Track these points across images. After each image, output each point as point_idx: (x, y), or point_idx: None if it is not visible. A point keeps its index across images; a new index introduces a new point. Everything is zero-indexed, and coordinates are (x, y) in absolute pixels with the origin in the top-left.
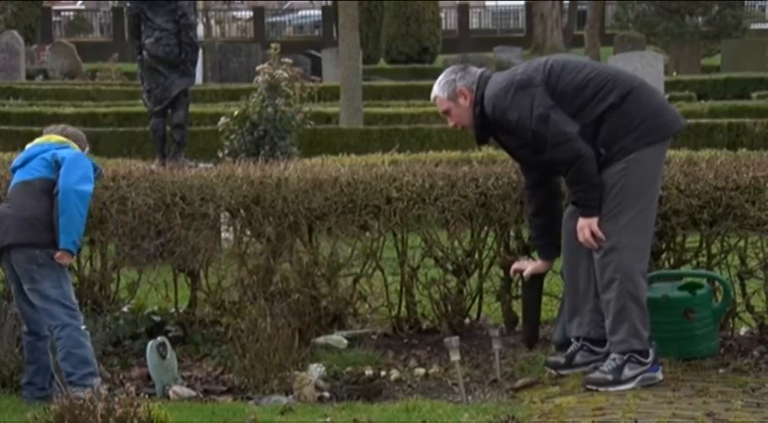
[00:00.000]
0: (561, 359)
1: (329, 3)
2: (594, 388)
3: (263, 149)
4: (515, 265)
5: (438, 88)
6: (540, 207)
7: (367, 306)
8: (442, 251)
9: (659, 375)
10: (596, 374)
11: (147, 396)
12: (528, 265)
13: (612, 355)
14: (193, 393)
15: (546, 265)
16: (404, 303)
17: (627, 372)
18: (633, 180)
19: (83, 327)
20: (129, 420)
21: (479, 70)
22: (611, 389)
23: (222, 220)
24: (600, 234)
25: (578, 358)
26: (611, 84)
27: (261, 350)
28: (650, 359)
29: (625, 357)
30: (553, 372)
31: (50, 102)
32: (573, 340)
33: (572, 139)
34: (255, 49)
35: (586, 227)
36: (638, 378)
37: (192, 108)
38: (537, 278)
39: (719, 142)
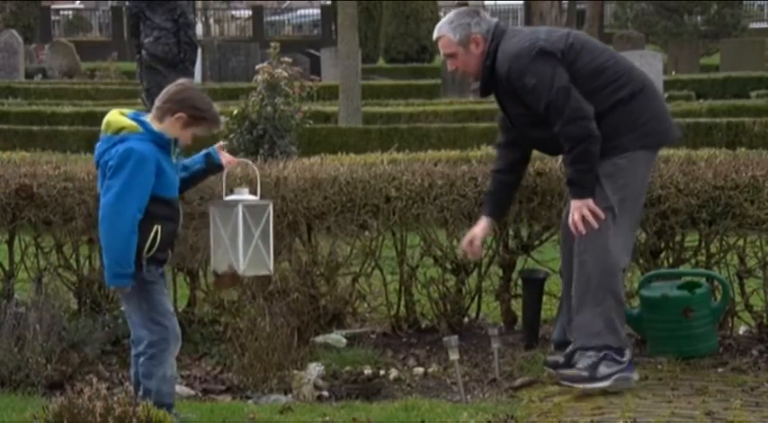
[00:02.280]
0: (560, 358)
1: (328, 2)
2: (569, 385)
3: (262, 148)
4: (463, 247)
5: (449, 29)
6: (507, 166)
7: (366, 305)
8: (441, 250)
9: (635, 376)
10: (571, 371)
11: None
12: (468, 235)
13: (588, 353)
14: (192, 392)
15: (485, 228)
16: (403, 302)
17: (602, 369)
18: (624, 179)
19: (167, 357)
20: (128, 419)
21: (494, 20)
22: (587, 386)
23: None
24: (599, 211)
25: (577, 357)
26: (626, 77)
27: (260, 349)
28: (626, 358)
29: (601, 354)
30: (552, 371)
31: (49, 101)
32: (572, 340)
33: (588, 117)
34: (254, 48)
35: (583, 206)
36: (614, 377)
37: None
38: (537, 278)
39: (718, 141)
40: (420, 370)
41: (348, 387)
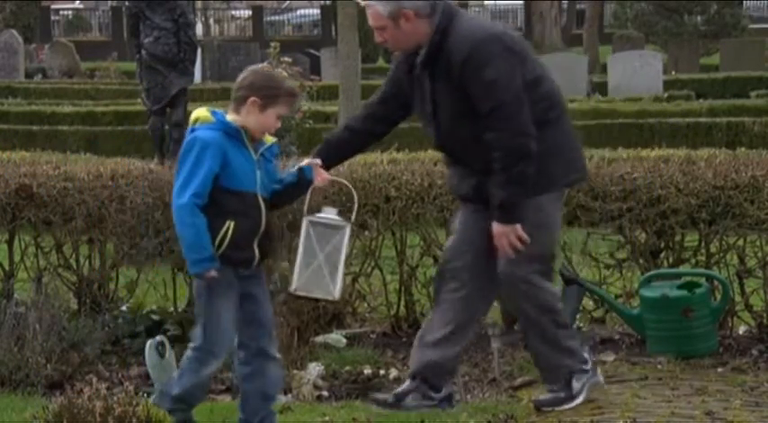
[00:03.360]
0: (389, 397)
1: (328, 2)
2: (551, 409)
3: None
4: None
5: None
6: (366, 126)
7: (366, 305)
8: (441, 250)
9: (600, 378)
10: (547, 396)
11: (145, 395)
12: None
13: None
14: None
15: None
16: (403, 302)
17: (575, 384)
18: (547, 215)
19: (206, 370)
20: (128, 419)
21: None
22: (566, 406)
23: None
24: (525, 237)
25: (409, 399)
26: (557, 96)
27: None
28: (589, 365)
29: (568, 373)
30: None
31: (49, 101)
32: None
33: (533, 136)
34: (254, 47)
35: (511, 233)
36: (586, 387)
37: (191, 107)
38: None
39: (718, 141)
40: None
41: (348, 387)
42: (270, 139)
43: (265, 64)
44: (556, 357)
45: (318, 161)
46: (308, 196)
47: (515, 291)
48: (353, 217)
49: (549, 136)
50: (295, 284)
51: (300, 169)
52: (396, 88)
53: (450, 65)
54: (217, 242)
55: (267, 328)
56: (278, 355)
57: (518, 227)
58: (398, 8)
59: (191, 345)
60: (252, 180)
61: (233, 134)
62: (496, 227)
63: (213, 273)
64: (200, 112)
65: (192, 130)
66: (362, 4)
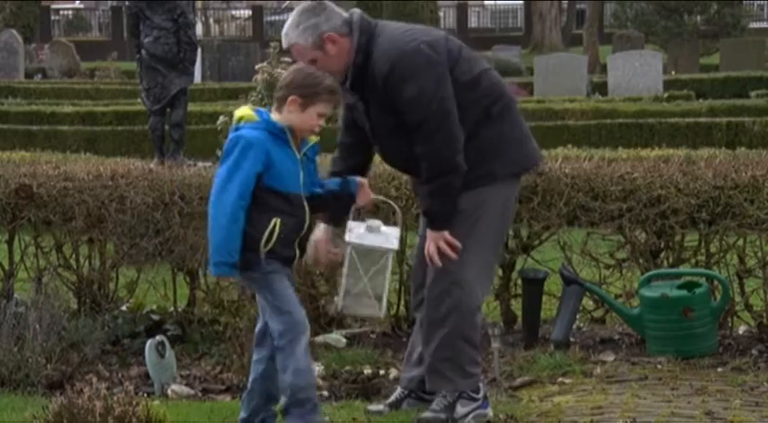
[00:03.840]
0: (385, 408)
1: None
2: None
3: None
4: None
5: (296, 34)
6: (349, 170)
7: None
8: None
9: (489, 412)
10: (428, 414)
11: (145, 395)
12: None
13: (443, 393)
14: (192, 392)
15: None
16: (403, 302)
17: (459, 409)
18: (490, 213)
19: (298, 348)
20: (128, 419)
21: (353, 11)
22: None
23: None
24: (456, 243)
25: (405, 406)
26: (498, 91)
27: None
28: (481, 394)
29: (456, 394)
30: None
31: (49, 100)
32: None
33: (458, 149)
34: (254, 47)
35: (440, 238)
36: (471, 414)
37: (191, 107)
38: (537, 278)
39: (718, 141)
40: None
41: (348, 387)
42: (313, 139)
43: (265, 64)
44: (446, 367)
45: (365, 180)
46: (350, 215)
47: (446, 289)
48: (398, 236)
49: (494, 130)
50: (341, 304)
51: (345, 180)
52: (350, 113)
53: (376, 83)
54: (264, 238)
55: None
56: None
57: (446, 233)
58: (320, 35)
59: (275, 342)
60: (296, 180)
61: (277, 133)
62: (429, 233)
63: (231, 279)
64: (244, 111)
65: (237, 129)
66: (284, 47)
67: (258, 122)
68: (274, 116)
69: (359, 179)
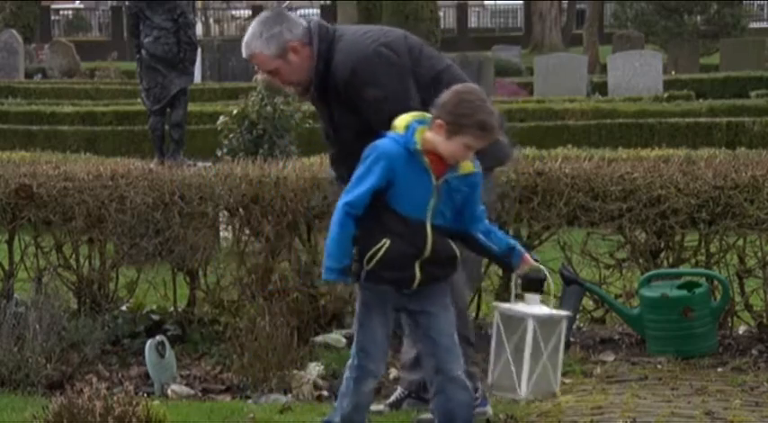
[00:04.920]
0: (385, 408)
1: (328, 2)
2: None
3: (262, 148)
4: None
5: (260, 44)
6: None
7: None
8: None
9: (489, 410)
10: (428, 415)
11: (145, 395)
12: None
13: (398, 387)
14: (192, 392)
15: None
16: None
17: (404, 408)
18: None
19: (366, 385)
20: (128, 419)
21: (312, 20)
22: None
23: (221, 219)
24: None
25: (405, 407)
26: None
27: (259, 349)
28: (479, 393)
29: (406, 392)
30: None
31: (49, 100)
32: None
33: None
34: None
35: None
36: (419, 415)
37: (191, 107)
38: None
39: (718, 141)
40: None
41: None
42: (468, 167)
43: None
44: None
45: (528, 256)
46: (512, 286)
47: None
48: (552, 302)
49: None
50: (524, 390)
51: (512, 250)
52: (329, 134)
53: (338, 89)
54: (367, 257)
55: (443, 345)
56: (461, 376)
57: None
58: (283, 44)
59: (348, 365)
60: (421, 207)
61: (414, 156)
62: None
63: (341, 285)
64: (403, 119)
65: (385, 135)
66: (246, 56)
67: (400, 136)
68: (426, 133)
69: (523, 252)
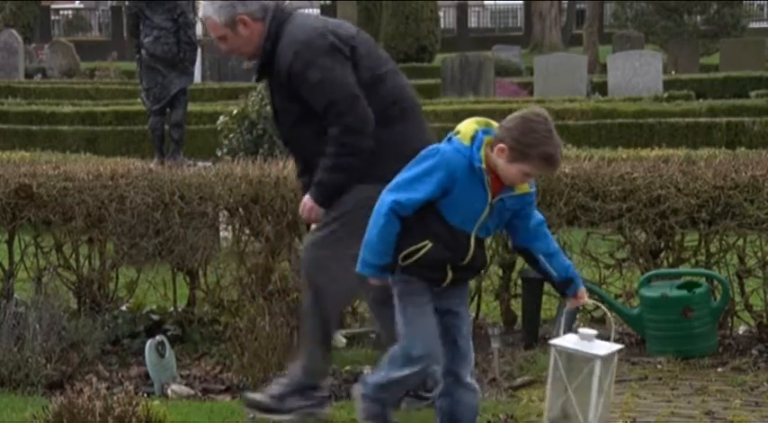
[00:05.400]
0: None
1: (328, 2)
2: (251, 411)
3: (262, 148)
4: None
5: (213, 10)
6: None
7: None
8: None
9: (325, 411)
10: (258, 395)
11: (145, 395)
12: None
13: (282, 380)
14: (192, 392)
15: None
16: None
17: (290, 401)
18: (366, 205)
19: (403, 371)
20: (128, 419)
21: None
22: (270, 416)
23: (221, 219)
24: (315, 221)
25: (403, 405)
26: (400, 93)
27: (259, 349)
28: (320, 395)
29: (293, 386)
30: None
31: (49, 100)
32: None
33: (368, 133)
34: None
35: (313, 209)
36: (300, 411)
37: (191, 107)
38: (536, 278)
39: (718, 141)
40: None
41: (348, 387)
42: (523, 188)
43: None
44: (302, 360)
45: (583, 292)
46: (562, 321)
47: (310, 271)
48: (612, 335)
49: (388, 131)
50: (546, 418)
51: (571, 280)
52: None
53: (280, 71)
54: (404, 255)
55: (461, 349)
56: (472, 383)
57: (320, 210)
58: (233, 15)
59: (393, 350)
60: (471, 221)
61: (476, 172)
62: (306, 198)
63: (376, 282)
64: (466, 126)
65: (449, 139)
66: (201, 17)
67: (465, 148)
68: (488, 150)
69: (580, 286)
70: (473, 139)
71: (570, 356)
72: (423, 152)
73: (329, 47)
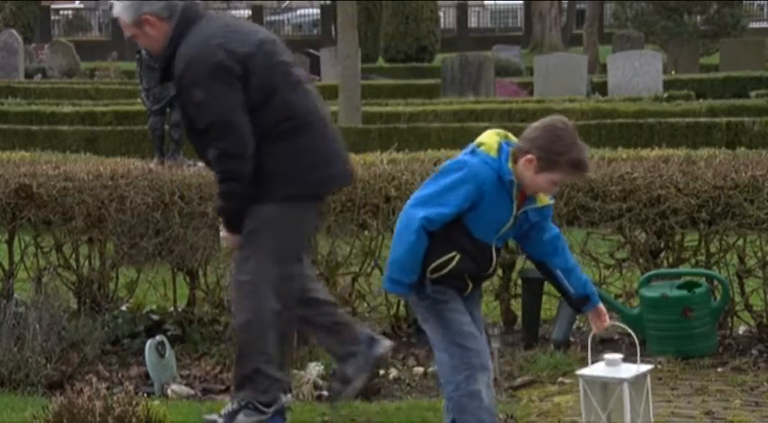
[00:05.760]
0: (220, 420)
1: (328, 2)
2: None
3: None
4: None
5: (120, 8)
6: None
7: (366, 305)
8: None
9: None
10: (213, 416)
11: (145, 395)
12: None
13: (236, 399)
14: (192, 392)
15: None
16: (402, 302)
17: (241, 417)
18: (272, 231)
19: (475, 386)
20: (128, 419)
21: (181, 2)
22: None
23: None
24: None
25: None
26: (293, 110)
27: None
28: (271, 410)
29: (243, 403)
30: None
31: (49, 100)
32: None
33: (244, 157)
34: None
35: (230, 238)
36: None
37: None
38: (536, 278)
39: (718, 141)
40: (420, 370)
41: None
42: (544, 200)
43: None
44: (245, 376)
45: (602, 310)
46: (588, 345)
47: (236, 293)
48: (638, 356)
49: (280, 147)
50: None
51: (588, 298)
52: None
53: (175, 80)
54: (434, 266)
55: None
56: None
57: (238, 239)
58: (139, 15)
59: (445, 378)
60: (494, 232)
61: (504, 184)
62: (222, 230)
63: (406, 298)
64: (489, 138)
65: (473, 152)
66: (114, 15)
67: (493, 160)
68: (511, 162)
69: (597, 304)
70: (499, 151)
71: (599, 384)
72: (447, 165)
73: (215, 66)
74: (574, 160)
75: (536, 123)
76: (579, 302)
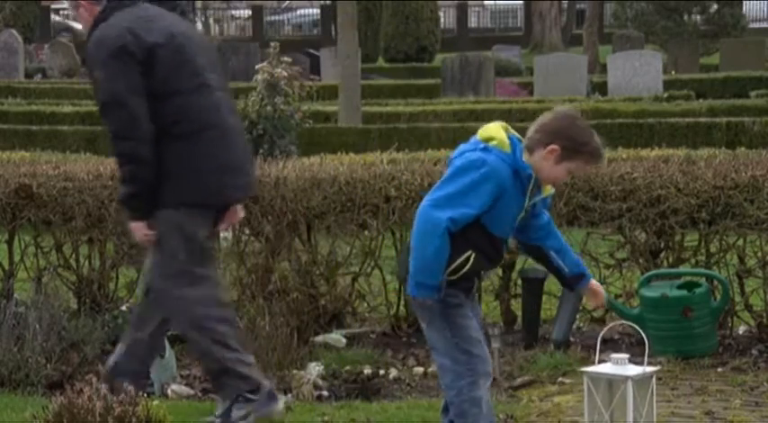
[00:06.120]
0: (217, 420)
1: (328, 2)
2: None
3: (262, 148)
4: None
5: None
6: None
7: (366, 305)
8: None
9: (278, 405)
10: (209, 419)
11: (145, 395)
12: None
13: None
14: (192, 392)
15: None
16: (402, 302)
17: (235, 413)
18: (165, 236)
19: (478, 392)
20: (128, 419)
21: None
22: None
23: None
24: (152, 236)
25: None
26: (190, 114)
27: (259, 349)
28: (261, 393)
29: (232, 399)
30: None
31: (49, 100)
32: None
33: (140, 139)
34: (254, 47)
35: (138, 229)
36: (251, 415)
37: None
38: (536, 278)
39: (718, 141)
40: (420, 370)
41: (348, 387)
42: (548, 190)
43: (265, 64)
44: (219, 376)
45: (595, 285)
46: (597, 345)
47: (162, 302)
48: (645, 358)
49: (179, 149)
50: None
51: (582, 276)
52: None
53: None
54: (453, 267)
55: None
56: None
57: (143, 225)
58: None
59: (447, 383)
60: (508, 228)
61: (522, 178)
62: (129, 222)
63: (430, 302)
64: (497, 132)
65: (485, 149)
66: None
67: (508, 155)
68: (525, 156)
69: (591, 279)
70: (512, 146)
71: (603, 382)
72: (461, 162)
73: (119, 49)
74: (595, 149)
75: (548, 115)
76: (574, 280)
